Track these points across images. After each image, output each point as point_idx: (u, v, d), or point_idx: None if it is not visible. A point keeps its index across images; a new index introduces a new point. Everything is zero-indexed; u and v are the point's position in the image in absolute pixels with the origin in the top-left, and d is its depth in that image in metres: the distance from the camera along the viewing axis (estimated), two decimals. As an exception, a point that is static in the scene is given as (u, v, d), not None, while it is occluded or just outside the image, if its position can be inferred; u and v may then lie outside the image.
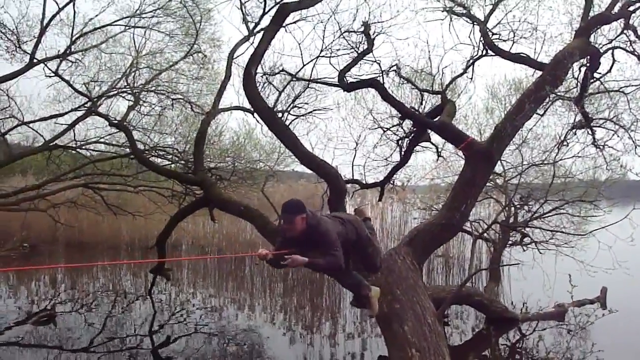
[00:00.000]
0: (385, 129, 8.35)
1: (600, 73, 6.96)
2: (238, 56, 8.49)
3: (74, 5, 9.39)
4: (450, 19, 7.45)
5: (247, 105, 7.69)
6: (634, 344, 6.53)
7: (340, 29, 7.17)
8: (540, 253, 8.46)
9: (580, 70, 6.90)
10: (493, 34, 7.28)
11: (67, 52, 9.72)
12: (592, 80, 6.97)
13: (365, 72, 7.35)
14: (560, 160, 8.30)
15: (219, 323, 7.68)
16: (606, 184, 8.24)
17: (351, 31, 7.21)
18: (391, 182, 8.75)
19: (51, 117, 10.63)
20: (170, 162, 11.07)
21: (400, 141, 8.17)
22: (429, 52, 8.40)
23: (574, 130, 7.71)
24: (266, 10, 7.37)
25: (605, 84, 7.28)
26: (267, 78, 7.33)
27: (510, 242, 8.72)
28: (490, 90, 10.08)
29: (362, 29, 7.17)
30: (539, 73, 6.36)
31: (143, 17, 10.33)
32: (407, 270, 5.49)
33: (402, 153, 8.11)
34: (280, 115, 7.12)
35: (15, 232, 11.54)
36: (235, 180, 10.27)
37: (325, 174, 6.59)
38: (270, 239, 6.54)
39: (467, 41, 7.47)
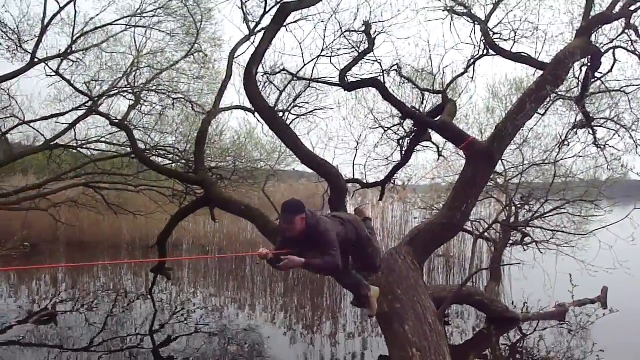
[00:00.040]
0: (386, 129, 8.35)
1: (601, 73, 6.97)
2: (239, 56, 8.51)
3: (74, 4, 9.42)
4: (451, 18, 7.44)
5: (248, 105, 7.70)
6: (634, 344, 6.53)
7: (341, 28, 7.17)
8: (541, 253, 8.46)
9: (581, 70, 6.90)
10: (494, 33, 7.28)
11: (68, 51, 9.72)
12: (593, 80, 6.98)
13: (366, 72, 7.36)
14: (561, 160, 8.31)
15: (219, 322, 7.68)
16: (607, 183, 8.23)
17: (352, 31, 7.20)
18: (392, 181, 8.74)
19: (52, 116, 10.64)
20: (171, 162, 11.08)
21: (401, 141, 8.17)
22: (429, 51, 8.41)
23: (575, 130, 7.71)
24: (267, 9, 7.36)
25: (607, 83, 7.29)
26: (268, 77, 7.33)
27: (511, 242, 8.71)
28: (491, 90, 10.08)
29: (363, 28, 7.16)
30: (540, 73, 6.36)
31: (144, 17, 10.34)
32: (407, 270, 5.49)
33: (403, 152, 8.11)
34: (281, 114, 7.12)
35: (16, 232, 11.53)
36: (236, 180, 10.27)
37: (326, 174, 6.59)
38: (271, 238, 6.55)
39: (468, 41, 7.47)
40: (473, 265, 8.58)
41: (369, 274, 4.93)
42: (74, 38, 9.74)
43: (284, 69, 7.39)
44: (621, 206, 8.37)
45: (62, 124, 10.76)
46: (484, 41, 7.25)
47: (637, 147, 7.33)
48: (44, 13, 9.29)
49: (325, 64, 8.53)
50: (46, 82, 12.49)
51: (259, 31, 7.77)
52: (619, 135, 7.48)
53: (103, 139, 11.30)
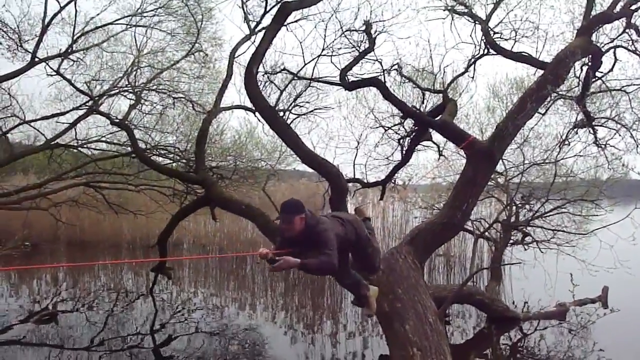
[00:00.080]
0: (386, 128, 8.35)
1: (602, 72, 6.97)
2: (239, 55, 8.51)
3: (75, 4, 9.41)
4: (452, 17, 7.45)
5: (249, 104, 7.70)
6: (635, 343, 6.53)
7: (341, 27, 7.18)
8: (542, 252, 8.47)
9: (582, 69, 6.91)
10: (494, 32, 7.28)
11: (69, 50, 9.72)
12: (593, 79, 6.98)
13: (366, 71, 7.37)
14: (562, 159, 8.33)
15: (220, 322, 7.68)
16: (608, 183, 8.24)
17: (353, 30, 7.21)
18: (392, 181, 8.75)
19: (52, 115, 10.64)
20: (171, 161, 11.08)
21: (401, 140, 8.18)
22: (430, 51, 8.46)
23: (575, 130, 7.72)
24: (267, 9, 7.36)
25: (607, 83, 7.29)
26: (268, 77, 7.34)
27: (511, 241, 8.71)
28: (491, 89, 10.08)
29: (363, 27, 7.16)
30: (541, 72, 6.36)
31: (144, 16, 10.34)
32: (408, 269, 5.49)
33: (404, 152, 8.12)
34: (281, 114, 7.13)
35: (17, 231, 11.52)
36: (237, 179, 10.28)
37: (327, 173, 6.59)
38: (271, 237, 6.56)
39: (469, 40, 7.48)
40: (474, 264, 8.60)
41: (368, 274, 4.93)
42: (75, 37, 9.73)
43: (284, 69, 7.40)
44: (622, 206, 8.38)
45: (63, 123, 10.78)
46: (484, 40, 7.26)
47: (637, 146, 7.35)
48: (45, 12, 9.30)
49: (326, 63, 8.56)
50: (47, 81, 12.53)
51: (260, 31, 7.78)
52: (620, 135, 7.50)
53: (104, 139, 11.31)
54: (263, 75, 7.16)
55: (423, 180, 11.06)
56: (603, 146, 7.63)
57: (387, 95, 7.02)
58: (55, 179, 11.38)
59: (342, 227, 3.94)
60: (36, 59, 9.34)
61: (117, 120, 10.08)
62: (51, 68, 9.73)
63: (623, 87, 7.26)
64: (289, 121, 7.24)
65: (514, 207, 8.63)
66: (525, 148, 8.88)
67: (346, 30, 7.18)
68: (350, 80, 7.11)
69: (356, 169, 8.26)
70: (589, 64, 6.75)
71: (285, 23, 6.48)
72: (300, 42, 7.14)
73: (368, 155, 8.60)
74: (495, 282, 8.59)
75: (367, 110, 8.61)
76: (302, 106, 7.76)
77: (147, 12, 10.25)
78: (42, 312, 7.56)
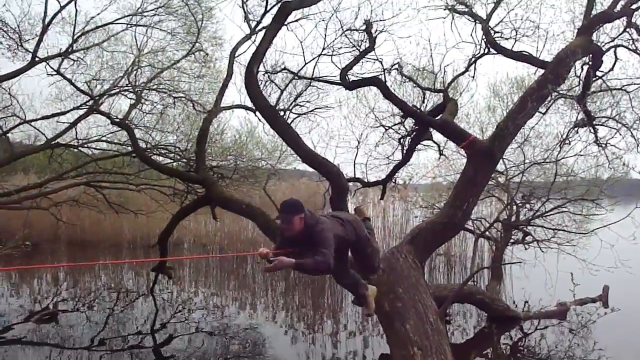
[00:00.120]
0: (387, 128, 8.35)
1: (602, 71, 6.97)
2: (240, 55, 8.52)
3: (75, 3, 9.41)
4: (452, 17, 7.44)
5: (249, 104, 7.70)
6: (635, 343, 6.52)
7: (342, 27, 7.18)
8: (542, 251, 8.47)
9: (582, 69, 6.90)
10: (495, 32, 7.28)
11: (69, 50, 9.72)
12: (594, 79, 6.97)
13: (367, 71, 7.36)
14: (563, 158, 8.33)
15: (220, 321, 7.68)
16: (608, 182, 8.24)
17: (353, 29, 7.21)
18: (393, 180, 8.75)
19: (53, 115, 10.63)
20: (172, 161, 11.08)
21: (402, 139, 8.17)
22: (430, 50, 8.42)
23: (576, 129, 7.72)
24: (268, 8, 7.36)
25: (608, 82, 7.29)
26: (268, 76, 7.33)
27: (512, 241, 8.72)
28: (492, 89, 10.09)
29: (364, 27, 7.16)
30: (541, 71, 6.35)
31: (145, 16, 10.33)
32: (409, 269, 5.49)
33: (404, 151, 8.11)
34: (282, 113, 7.12)
35: (17, 231, 11.51)
36: (237, 179, 10.28)
37: (327, 173, 6.59)
38: (272, 237, 6.56)
39: (469, 39, 7.49)
40: (474, 264, 8.61)
41: (368, 274, 4.93)
42: (75, 37, 9.73)
43: (285, 68, 7.39)
44: (622, 205, 8.38)
45: (63, 123, 10.77)
46: (485, 40, 7.26)
47: (638, 145, 7.33)
48: (45, 12, 9.28)
49: (326, 62, 8.57)
50: (47, 81, 12.55)
51: (260, 30, 7.78)
52: (620, 134, 7.49)
53: (104, 138, 11.30)
54: (263, 74, 7.16)
55: (423, 180, 11.08)
56: (603, 145, 7.63)
57: (388, 95, 7.02)
58: (55, 179, 11.38)
59: (341, 227, 3.93)
60: (36, 59, 9.33)
61: (118, 120, 10.07)
62: (51, 68, 9.73)
63: (623, 86, 7.25)
64: (289, 120, 7.23)
65: (515, 207, 8.63)
66: (525, 147, 8.89)
67: (346, 30, 7.18)
68: (350, 80, 7.10)
69: (357, 169, 8.27)
70: (590, 63, 6.74)
71: (286, 22, 6.49)
72: (301, 42, 7.15)
73: (368, 154, 8.61)
74: (495, 281, 8.60)
75: (368, 110, 8.62)
76: (303, 105, 7.77)
77: (147, 11, 10.25)
78: (43, 312, 7.56)
